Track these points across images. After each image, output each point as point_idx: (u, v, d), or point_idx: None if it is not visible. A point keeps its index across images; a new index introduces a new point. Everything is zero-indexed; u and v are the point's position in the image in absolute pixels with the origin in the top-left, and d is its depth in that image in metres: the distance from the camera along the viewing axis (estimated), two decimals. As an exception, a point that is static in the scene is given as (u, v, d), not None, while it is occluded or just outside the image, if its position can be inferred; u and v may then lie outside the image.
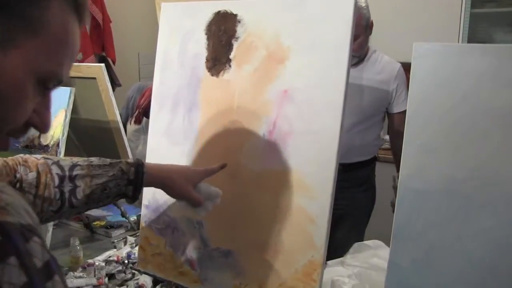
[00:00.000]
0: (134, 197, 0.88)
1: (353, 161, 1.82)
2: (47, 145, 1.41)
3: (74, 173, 0.80)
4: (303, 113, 0.96)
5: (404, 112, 1.78)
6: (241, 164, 1.04)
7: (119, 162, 0.87)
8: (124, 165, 0.87)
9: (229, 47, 1.06)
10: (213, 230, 1.10)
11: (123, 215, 1.63)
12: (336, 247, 1.28)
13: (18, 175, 0.74)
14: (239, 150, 1.04)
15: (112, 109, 1.59)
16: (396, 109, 1.82)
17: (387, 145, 2.44)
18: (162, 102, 1.20)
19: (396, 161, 1.89)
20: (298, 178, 0.97)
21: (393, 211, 1.61)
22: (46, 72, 0.49)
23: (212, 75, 1.09)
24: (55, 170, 0.79)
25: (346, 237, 1.62)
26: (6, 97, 0.47)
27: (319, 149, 0.94)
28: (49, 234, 1.39)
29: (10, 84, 0.47)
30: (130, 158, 0.83)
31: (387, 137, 2.33)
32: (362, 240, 1.39)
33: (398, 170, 1.84)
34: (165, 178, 0.91)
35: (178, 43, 1.16)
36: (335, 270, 1.25)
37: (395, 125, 1.86)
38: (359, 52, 1.77)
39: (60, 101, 1.41)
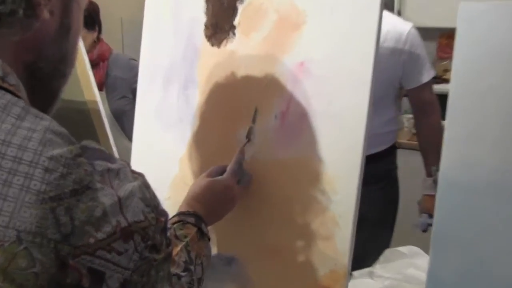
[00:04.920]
0: None
1: (373, 152, 1.80)
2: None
3: None
4: (323, 89, 0.97)
5: (425, 86, 1.81)
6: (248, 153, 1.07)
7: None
8: None
9: (233, 11, 1.07)
10: (213, 233, 1.11)
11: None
12: (355, 258, 1.29)
13: None
14: (247, 134, 1.06)
15: (90, 86, 1.60)
16: (411, 83, 1.79)
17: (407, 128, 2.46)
18: (151, 77, 1.22)
19: (422, 149, 1.89)
20: (317, 169, 0.98)
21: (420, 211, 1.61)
22: None
23: (213, 45, 1.10)
24: None
25: (366, 245, 1.62)
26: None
27: (342, 133, 0.95)
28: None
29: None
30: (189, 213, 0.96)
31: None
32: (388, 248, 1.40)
33: (425, 159, 1.86)
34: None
35: (170, 7, 1.17)
36: (363, 282, 1.27)
37: (414, 104, 1.85)
38: None
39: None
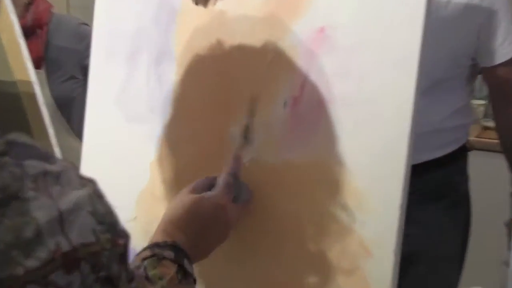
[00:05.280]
0: None
1: (418, 161, 1.77)
2: None
3: None
4: (350, 66, 0.98)
5: (509, 62, 1.79)
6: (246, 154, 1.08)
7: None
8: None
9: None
10: (200, 265, 1.13)
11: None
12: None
13: None
14: (243, 132, 1.08)
15: (22, 61, 1.61)
16: (489, 58, 1.77)
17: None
18: (110, 49, 1.24)
19: (506, 150, 1.88)
20: (339, 177, 0.99)
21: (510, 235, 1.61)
22: None
23: (197, 3, 1.10)
24: None
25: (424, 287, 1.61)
26: None
27: (377, 127, 0.96)
28: None
29: None
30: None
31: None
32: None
33: (510, 164, 1.84)
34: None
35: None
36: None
37: (493, 87, 1.85)
38: None
39: None
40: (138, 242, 1.19)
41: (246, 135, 1.07)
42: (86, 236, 0.53)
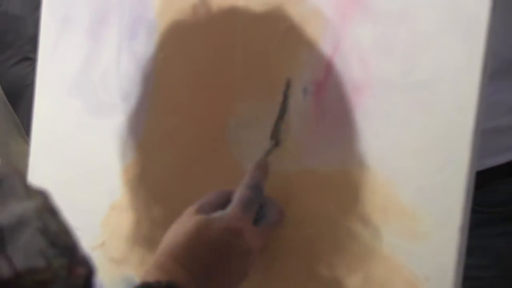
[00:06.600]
0: None
1: (485, 167, 1.77)
2: None
3: None
4: (393, 40, 0.98)
5: None
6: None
7: None
8: None
9: None
10: None
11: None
12: None
13: None
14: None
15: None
16: None
17: None
18: (65, 18, 1.24)
19: None
20: (382, 190, 0.99)
21: None
22: None
23: None
24: None
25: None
26: None
27: (430, 121, 0.96)
28: None
29: None
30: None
31: None
32: None
33: None
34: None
35: None
36: None
37: None
38: None
39: None
40: (106, 275, 1.19)
41: (277, 136, 1.07)
42: (33, 260, 0.53)
